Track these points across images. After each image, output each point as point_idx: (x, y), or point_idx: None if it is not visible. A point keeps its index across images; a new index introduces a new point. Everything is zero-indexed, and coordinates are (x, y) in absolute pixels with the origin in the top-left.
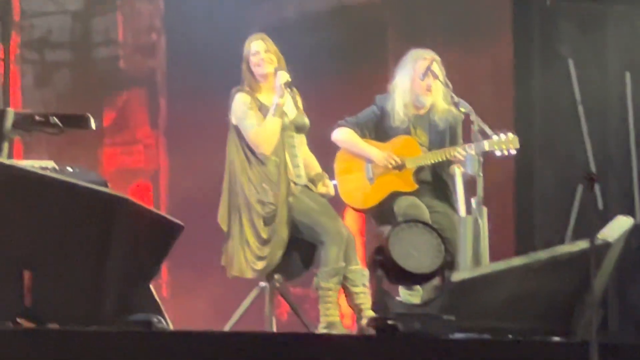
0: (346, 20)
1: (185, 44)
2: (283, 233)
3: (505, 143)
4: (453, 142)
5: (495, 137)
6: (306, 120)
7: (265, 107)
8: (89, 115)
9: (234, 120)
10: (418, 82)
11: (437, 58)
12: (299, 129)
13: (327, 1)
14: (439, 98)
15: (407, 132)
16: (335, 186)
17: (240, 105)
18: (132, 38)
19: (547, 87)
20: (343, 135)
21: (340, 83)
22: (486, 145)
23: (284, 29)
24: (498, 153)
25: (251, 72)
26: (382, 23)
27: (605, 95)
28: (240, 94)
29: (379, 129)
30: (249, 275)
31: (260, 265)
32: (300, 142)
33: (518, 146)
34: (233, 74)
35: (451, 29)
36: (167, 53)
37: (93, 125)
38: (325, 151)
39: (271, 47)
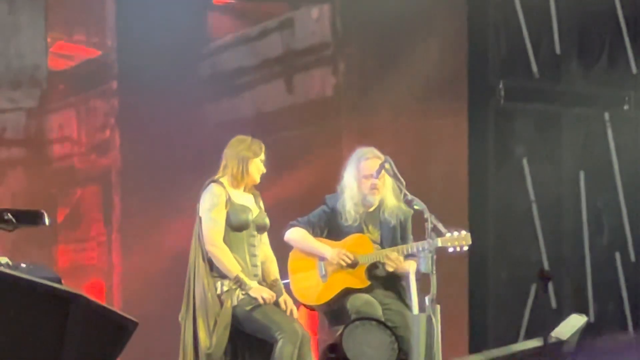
0: (300, 117)
1: (139, 141)
2: (226, 318)
3: (457, 240)
4: (404, 237)
5: (448, 234)
6: (267, 220)
7: (232, 203)
8: (44, 211)
9: (200, 211)
10: (363, 182)
11: (381, 156)
12: (259, 228)
13: (281, 100)
14: (387, 195)
15: (359, 229)
16: (287, 284)
17: (211, 196)
18: (87, 135)
19: (502, 186)
20: (295, 234)
21: (297, 178)
22: (439, 242)
23: (239, 127)
24: (450, 249)
25: (247, 170)
26: (337, 120)
27: (559, 194)
28: (215, 185)
29: (331, 228)
30: None
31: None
32: (261, 241)
33: (470, 242)
34: (187, 171)
35: (407, 129)
36: (121, 150)
37: (47, 221)
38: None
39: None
